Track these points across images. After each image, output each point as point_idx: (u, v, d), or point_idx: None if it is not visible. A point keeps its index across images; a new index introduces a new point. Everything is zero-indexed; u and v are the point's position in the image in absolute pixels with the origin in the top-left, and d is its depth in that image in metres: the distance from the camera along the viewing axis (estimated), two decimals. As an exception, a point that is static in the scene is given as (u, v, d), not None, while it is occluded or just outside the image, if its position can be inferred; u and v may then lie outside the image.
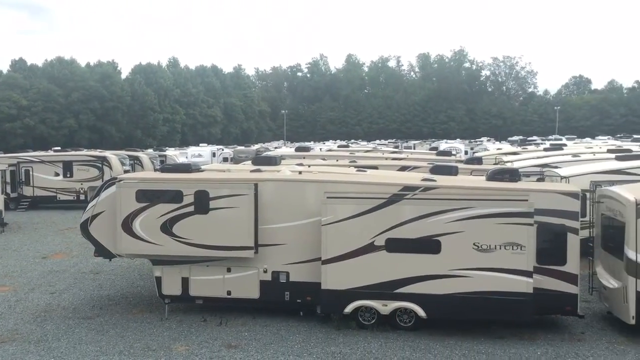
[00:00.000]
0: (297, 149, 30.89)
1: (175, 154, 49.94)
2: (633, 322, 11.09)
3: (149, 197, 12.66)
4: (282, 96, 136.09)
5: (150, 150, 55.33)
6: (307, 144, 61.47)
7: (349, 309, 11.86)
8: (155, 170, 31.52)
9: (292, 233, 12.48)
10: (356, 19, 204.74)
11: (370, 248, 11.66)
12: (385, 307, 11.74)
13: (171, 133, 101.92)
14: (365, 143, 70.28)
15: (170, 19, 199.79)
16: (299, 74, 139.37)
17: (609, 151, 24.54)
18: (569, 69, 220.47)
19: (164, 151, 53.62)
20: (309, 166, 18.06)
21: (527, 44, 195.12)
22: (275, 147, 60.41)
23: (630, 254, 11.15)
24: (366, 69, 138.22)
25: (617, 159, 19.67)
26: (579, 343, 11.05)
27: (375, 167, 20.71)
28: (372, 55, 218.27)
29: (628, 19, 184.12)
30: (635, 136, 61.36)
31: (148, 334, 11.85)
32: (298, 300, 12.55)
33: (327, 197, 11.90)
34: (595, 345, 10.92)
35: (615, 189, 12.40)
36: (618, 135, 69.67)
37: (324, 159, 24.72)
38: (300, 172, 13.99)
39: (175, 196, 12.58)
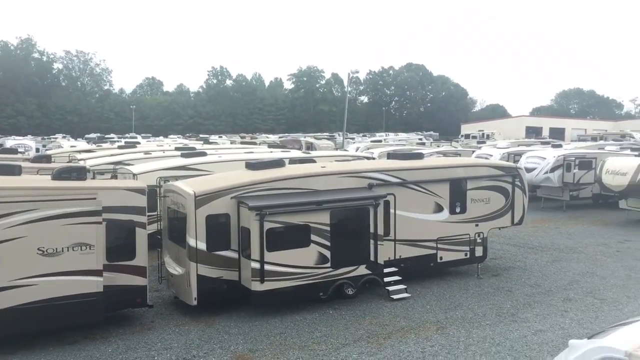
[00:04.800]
0: None
1: None
2: (195, 303, 12.38)
3: None
4: None
5: None
6: None
7: None
8: None
9: None
10: None
11: None
12: None
13: None
14: None
15: None
16: None
17: (177, 149, 26.75)
18: (143, 70, 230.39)
19: None
20: None
21: (100, 41, 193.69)
22: None
23: (192, 241, 12.38)
24: None
25: (183, 156, 21.57)
26: (149, 332, 11.63)
27: None
28: None
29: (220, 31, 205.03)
30: (201, 135, 68.97)
31: None
32: None
33: None
34: (163, 331, 11.70)
35: (178, 183, 13.55)
36: (187, 135, 76.83)
37: None
38: None
39: None
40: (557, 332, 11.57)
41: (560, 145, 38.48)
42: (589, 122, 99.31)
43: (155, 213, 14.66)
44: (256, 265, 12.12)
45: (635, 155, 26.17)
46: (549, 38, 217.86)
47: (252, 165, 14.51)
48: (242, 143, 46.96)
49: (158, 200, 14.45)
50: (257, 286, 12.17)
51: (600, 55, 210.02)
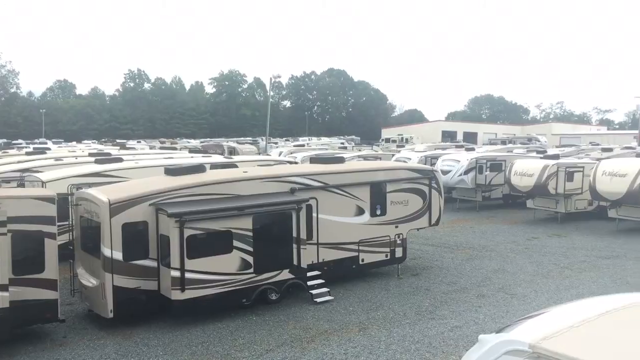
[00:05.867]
0: None
1: None
2: (111, 315, 11.86)
3: None
4: None
5: None
6: None
7: None
8: None
9: None
10: None
11: None
12: None
13: None
14: None
15: None
16: None
17: (91, 155, 25.58)
18: (54, 72, 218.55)
19: None
20: None
21: (5, 41, 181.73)
22: None
23: (107, 251, 11.86)
24: None
25: (97, 162, 20.67)
26: (61, 348, 11.01)
27: None
28: None
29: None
30: (118, 140, 66.41)
31: None
32: None
33: None
34: (76, 346, 11.11)
35: (91, 190, 12.93)
36: (103, 140, 73.64)
37: None
38: None
39: None
40: (471, 327, 12.10)
41: (473, 149, 40.39)
42: (499, 127, 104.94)
43: (67, 223, 13.92)
44: (176, 273, 11.80)
45: (541, 158, 27.94)
46: (462, 46, 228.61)
47: (171, 171, 14.13)
48: (161, 148, 45.65)
49: (70, 209, 13.75)
50: (177, 295, 11.84)
51: (509, 63, 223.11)
